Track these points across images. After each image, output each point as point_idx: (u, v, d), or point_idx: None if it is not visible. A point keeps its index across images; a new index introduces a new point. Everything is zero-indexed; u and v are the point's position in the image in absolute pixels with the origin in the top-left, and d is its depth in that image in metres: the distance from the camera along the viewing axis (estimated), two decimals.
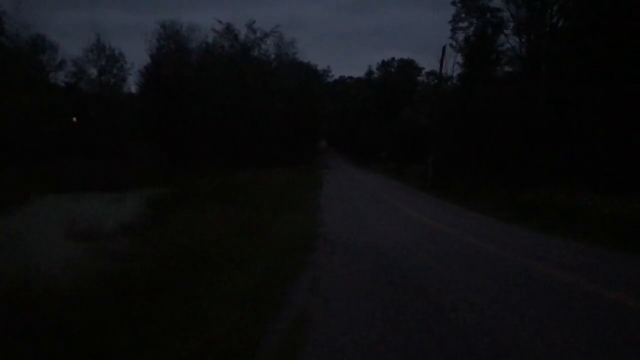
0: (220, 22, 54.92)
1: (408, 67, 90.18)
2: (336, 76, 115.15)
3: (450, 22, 34.97)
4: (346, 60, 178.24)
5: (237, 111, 49.90)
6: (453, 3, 34.15)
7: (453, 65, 52.59)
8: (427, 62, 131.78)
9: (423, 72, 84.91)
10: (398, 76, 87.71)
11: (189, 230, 14.80)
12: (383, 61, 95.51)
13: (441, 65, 33.79)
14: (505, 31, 31.10)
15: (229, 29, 54.68)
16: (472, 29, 32.58)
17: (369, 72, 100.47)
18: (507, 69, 31.22)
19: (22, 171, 32.60)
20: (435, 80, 54.13)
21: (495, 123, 28.74)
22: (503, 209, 19.31)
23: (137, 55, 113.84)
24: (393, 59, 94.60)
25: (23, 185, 29.93)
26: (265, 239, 11.43)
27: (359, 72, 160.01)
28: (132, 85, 55.76)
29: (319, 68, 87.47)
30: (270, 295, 6.37)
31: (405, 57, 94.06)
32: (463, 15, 33.83)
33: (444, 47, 33.99)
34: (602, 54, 23.07)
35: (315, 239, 11.31)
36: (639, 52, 21.47)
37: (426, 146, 38.37)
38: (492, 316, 5.61)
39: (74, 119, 48.44)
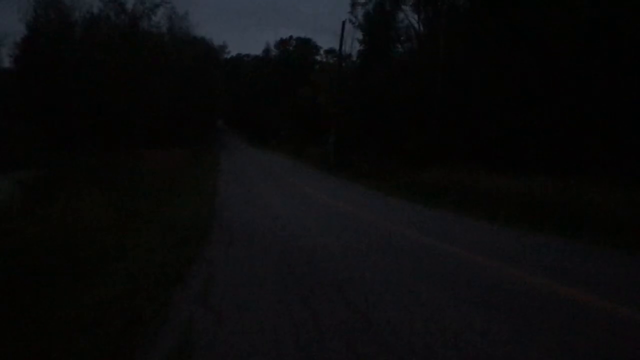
0: None
1: (306, 46, 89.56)
2: (233, 54, 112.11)
3: None
4: (243, 38, 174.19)
5: (126, 87, 46.46)
6: None
7: (352, 43, 52.41)
8: (326, 42, 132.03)
9: (322, 50, 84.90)
10: (296, 54, 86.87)
11: (58, 219, 12.92)
12: (281, 39, 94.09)
13: (341, 41, 32.96)
14: (404, 7, 30.86)
15: None
16: (371, 4, 32.03)
17: (267, 50, 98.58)
18: (406, 46, 31.03)
19: None
20: (335, 58, 53.69)
21: (394, 102, 28.51)
22: (405, 188, 18.94)
23: (10, 25, 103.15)
24: (291, 37, 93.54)
25: None
26: (151, 230, 9.87)
27: (256, 51, 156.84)
28: (5, 57, 50.16)
29: (214, 44, 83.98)
30: (141, 309, 4.93)
31: (303, 35, 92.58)
32: None
33: (343, 23, 33.17)
34: (498, 33, 23.31)
35: (210, 228, 9.91)
36: (535, 31, 21.82)
37: (326, 126, 37.72)
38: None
39: None
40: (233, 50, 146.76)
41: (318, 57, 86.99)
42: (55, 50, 45.72)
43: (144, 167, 24.78)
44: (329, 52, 60.96)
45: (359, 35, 35.12)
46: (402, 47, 31.05)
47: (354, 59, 37.84)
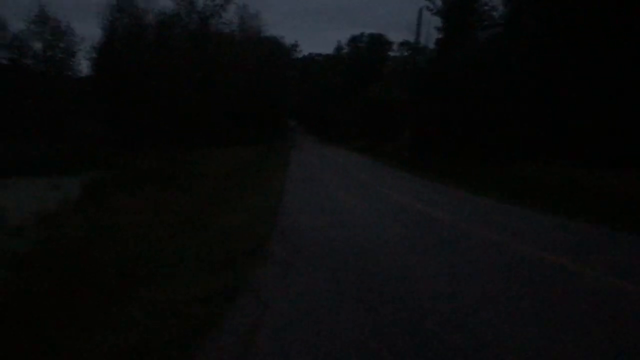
0: None
1: (378, 42, 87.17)
2: (305, 53, 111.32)
3: None
4: (314, 37, 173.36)
5: (197, 87, 46.16)
6: None
7: (427, 35, 49.75)
8: (398, 38, 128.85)
9: (394, 45, 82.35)
10: (368, 51, 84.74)
11: (111, 223, 11.70)
12: (352, 36, 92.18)
13: (418, 29, 30.64)
14: None
15: None
16: None
17: (338, 48, 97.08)
18: (489, 32, 28.14)
19: None
20: (409, 51, 51.32)
21: (475, 92, 25.93)
22: (493, 186, 16.52)
23: (90, 31, 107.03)
24: (362, 34, 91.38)
25: None
26: (204, 238, 8.25)
27: (327, 50, 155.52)
28: (83, 61, 51.32)
29: (286, 43, 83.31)
30: None
31: (375, 32, 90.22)
32: None
33: (420, 10, 30.89)
34: (592, 15, 20.46)
35: (269, 238, 8.12)
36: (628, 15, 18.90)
37: (399, 122, 35.54)
38: None
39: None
40: (305, 50, 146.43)
41: (391, 53, 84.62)
42: (129, 53, 46.06)
43: (210, 166, 23.66)
44: (404, 44, 58.38)
45: (436, 23, 32.61)
46: (484, 33, 28.24)
47: (431, 48, 35.29)
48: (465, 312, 4.68)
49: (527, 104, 23.45)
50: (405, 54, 57.86)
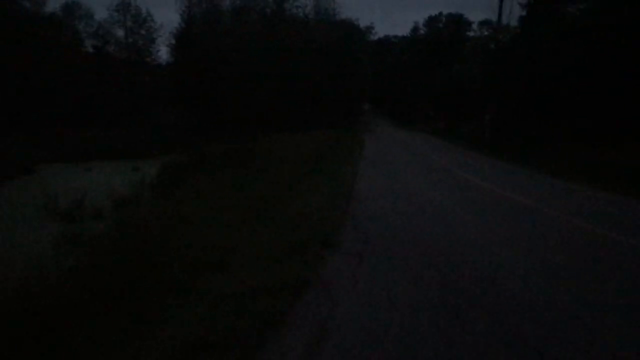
0: None
1: (457, 22, 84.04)
2: (380, 35, 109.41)
3: None
4: (390, 19, 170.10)
5: (271, 72, 46.22)
6: None
7: (510, 13, 47.30)
8: (477, 18, 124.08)
9: (474, 25, 79.21)
10: (447, 31, 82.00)
11: (184, 207, 11.60)
12: (430, 16, 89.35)
13: (501, 5, 28.85)
14: None
15: None
16: None
17: (415, 29, 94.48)
18: (580, 6, 26.02)
19: (38, 138, 30.19)
20: (490, 30, 49.02)
21: (564, 72, 24.13)
22: (589, 173, 15.15)
23: (169, 17, 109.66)
24: (441, 13, 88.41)
25: (35, 152, 27.54)
26: (275, 224, 7.88)
27: (404, 32, 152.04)
28: (161, 47, 52.76)
29: (361, 25, 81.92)
30: None
31: (453, 11, 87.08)
32: None
33: None
34: None
35: (342, 226, 7.64)
36: None
37: (480, 103, 33.93)
38: None
39: None
40: (380, 32, 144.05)
41: (470, 33, 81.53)
42: (206, 39, 46.76)
43: (285, 150, 23.45)
44: (484, 23, 55.83)
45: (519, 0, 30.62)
46: (574, 7, 26.17)
47: (513, 27, 33.32)
48: (572, 321, 3.98)
49: (629, 83, 21.52)
50: (486, 33, 55.31)
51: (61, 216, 12.86)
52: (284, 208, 9.17)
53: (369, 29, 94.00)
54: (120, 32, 48.83)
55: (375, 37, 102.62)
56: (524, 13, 29.75)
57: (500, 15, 30.17)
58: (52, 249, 9.19)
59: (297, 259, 5.58)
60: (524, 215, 8.93)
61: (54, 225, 11.74)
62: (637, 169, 14.23)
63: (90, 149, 30.48)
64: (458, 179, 14.70)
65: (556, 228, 7.82)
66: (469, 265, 5.60)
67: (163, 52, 58.14)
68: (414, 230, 7.49)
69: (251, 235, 7.10)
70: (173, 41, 49.37)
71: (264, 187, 12.62)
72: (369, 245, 6.42)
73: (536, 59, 25.58)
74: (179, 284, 4.97)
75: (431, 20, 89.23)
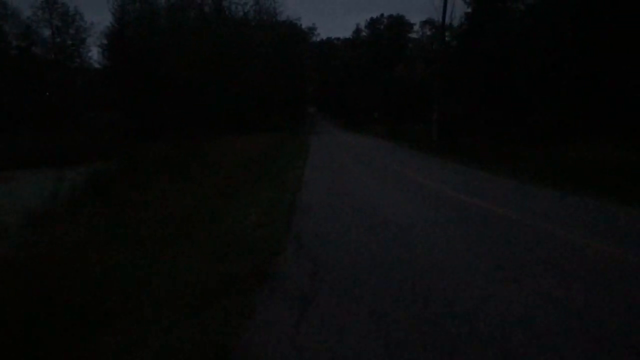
0: None
1: (398, 23, 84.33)
2: (323, 37, 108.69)
3: None
4: (332, 21, 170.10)
5: (211, 74, 44.32)
6: None
7: (452, 13, 47.29)
8: (418, 19, 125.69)
9: (415, 26, 79.69)
10: (388, 33, 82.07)
11: (101, 225, 10.02)
12: (372, 18, 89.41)
13: (445, 2, 28.14)
14: None
15: None
16: None
17: (357, 31, 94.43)
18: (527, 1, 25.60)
19: None
20: (432, 30, 48.90)
21: (511, 69, 23.70)
22: (546, 173, 14.36)
23: (100, 16, 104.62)
24: (382, 15, 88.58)
25: None
26: (202, 247, 6.44)
27: (346, 33, 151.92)
28: (93, 47, 49.90)
29: (303, 27, 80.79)
30: None
31: (395, 13, 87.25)
32: None
33: None
34: None
35: (283, 249, 6.20)
36: None
37: (425, 104, 33.37)
38: None
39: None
40: (323, 34, 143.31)
41: (412, 35, 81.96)
42: (141, 39, 44.43)
43: (225, 154, 21.89)
44: (427, 22, 55.81)
45: (459, 2, 30.15)
46: (522, 2, 25.80)
47: (458, 26, 32.90)
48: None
49: (576, 79, 21.17)
50: (429, 33, 55.27)
51: None
52: (215, 225, 7.73)
53: (311, 30, 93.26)
54: (47, 32, 45.76)
55: (318, 39, 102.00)
56: (468, 10, 29.35)
57: (444, 13, 29.56)
58: None
59: (217, 307, 4.14)
60: (490, 221, 7.82)
61: None
62: (579, 165, 13.72)
63: (14, 157, 27.96)
64: (412, 183, 13.59)
65: (530, 236, 6.74)
66: (450, 303, 4.34)
67: (94, 53, 54.85)
68: (371, 249, 6.17)
69: (168, 266, 5.66)
70: (105, 41, 46.79)
71: (196, 196, 11.11)
72: (317, 279, 5.01)
73: (481, 56, 25.07)
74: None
75: (373, 22, 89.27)
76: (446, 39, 32.20)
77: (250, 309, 4.14)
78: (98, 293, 4.80)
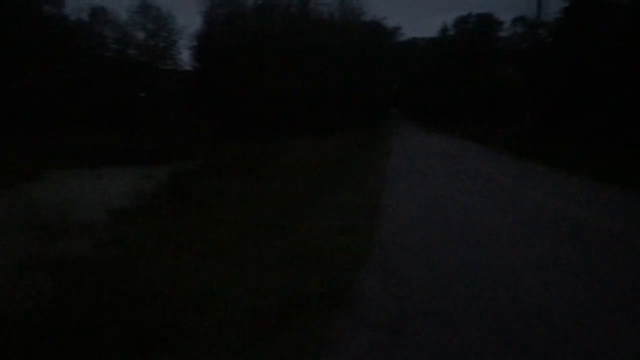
0: None
1: (487, 22, 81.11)
2: (408, 37, 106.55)
3: None
4: (417, 21, 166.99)
5: (295, 73, 44.31)
6: None
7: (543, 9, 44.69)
8: (507, 17, 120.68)
9: (505, 23, 76.18)
10: (475, 32, 79.16)
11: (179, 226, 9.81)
12: (459, 17, 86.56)
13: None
14: None
15: None
16: None
17: (444, 30, 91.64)
18: None
19: (47, 143, 28.78)
20: (525, 27, 46.46)
21: (612, 67, 21.67)
22: None
23: (192, 19, 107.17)
24: (470, 14, 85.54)
25: (43, 157, 26.13)
26: (274, 258, 5.85)
27: (431, 33, 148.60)
28: (183, 49, 51.30)
29: (388, 26, 79.43)
30: None
31: (484, 12, 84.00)
32: None
33: None
34: None
35: (365, 263, 5.47)
36: None
37: (516, 105, 31.54)
38: None
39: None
40: (407, 34, 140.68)
41: (502, 34, 78.60)
42: (228, 41, 45.16)
43: (305, 155, 21.45)
44: (518, 20, 52.96)
45: None
46: None
47: (554, 21, 30.72)
48: None
49: None
50: (519, 31, 52.52)
51: (44, 232, 11.06)
52: (289, 232, 7.15)
53: (396, 29, 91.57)
54: (141, 35, 47.55)
55: (403, 39, 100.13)
56: (566, 4, 27.27)
57: (539, 7, 27.59)
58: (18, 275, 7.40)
59: (288, 333, 3.50)
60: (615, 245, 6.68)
61: (35, 243, 9.93)
62: None
63: (104, 155, 29.07)
64: (510, 192, 12.33)
65: None
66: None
67: (185, 55, 57.07)
68: (472, 272, 5.28)
69: (237, 277, 5.12)
70: (194, 43, 47.95)
71: (273, 200, 10.63)
72: (409, 306, 4.21)
73: (583, 52, 23.16)
74: None
75: (460, 21, 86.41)
76: (540, 36, 30.21)
77: (326, 337, 3.47)
78: (159, 305, 4.34)
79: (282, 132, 35.46)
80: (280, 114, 40.73)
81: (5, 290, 6.16)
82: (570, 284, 4.92)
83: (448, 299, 4.37)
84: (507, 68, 44.61)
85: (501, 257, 5.98)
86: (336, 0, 55.04)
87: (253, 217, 8.47)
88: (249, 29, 48.00)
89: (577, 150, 19.86)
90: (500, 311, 4.04)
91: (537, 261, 5.75)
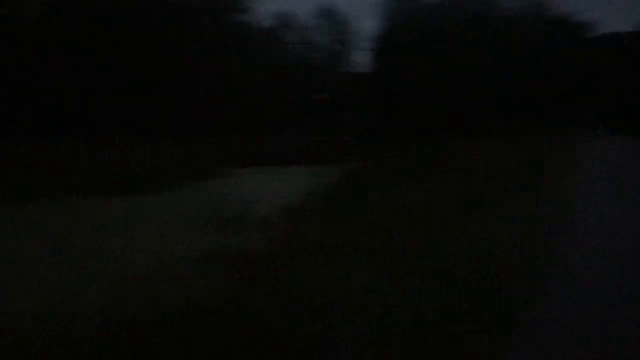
0: None
1: None
2: (605, 31, 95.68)
3: None
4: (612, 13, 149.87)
5: (477, 76, 42.27)
6: None
7: None
8: None
9: None
10: None
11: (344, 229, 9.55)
12: None
13: None
14: None
15: None
16: None
17: None
18: None
19: (235, 143, 30.94)
20: None
21: None
22: None
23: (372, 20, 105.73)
24: None
25: (230, 156, 28.16)
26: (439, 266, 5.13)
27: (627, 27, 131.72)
28: (361, 51, 52.04)
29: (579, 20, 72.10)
30: None
31: None
32: None
33: None
34: None
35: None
36: None
37: None
38: None
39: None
40: (602, 28, 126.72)
41: None
42: (409, 42, 44.70)
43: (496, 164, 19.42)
44: None
45: None
46: None
47: None
48: None
49: None
50: None
51: (221, 226, 11.61)
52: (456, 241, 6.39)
53: (590, 25, 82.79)
54: (321, 39, 49.19)
55: (598, 34, 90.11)
56: None
57: None
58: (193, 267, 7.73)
59: None
60: None
61: (212, 236, 10.42)
62: None
63: (287, 154, 30.49)
64: None
65: None
66: None
67: (363, 57, 57.98)
68: None
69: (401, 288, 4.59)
70: (374, 45, 48.33)
71: (441, 204, 9.82)
72: None
73: None
74: None
75: None
76: None
77: None
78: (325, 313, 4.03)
79: (463, 135, 33.88)
80: (457, 114, 39.20)
81: (183, 284, 6.30)
82: None
83: None
84: None
85: None
86: None
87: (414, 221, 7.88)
88: (429, 28, 46.99)
89: None
90: None
91: None
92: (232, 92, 36.92)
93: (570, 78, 50.76)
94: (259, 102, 39.20)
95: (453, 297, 4.27)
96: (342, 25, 48.46)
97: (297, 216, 12.44)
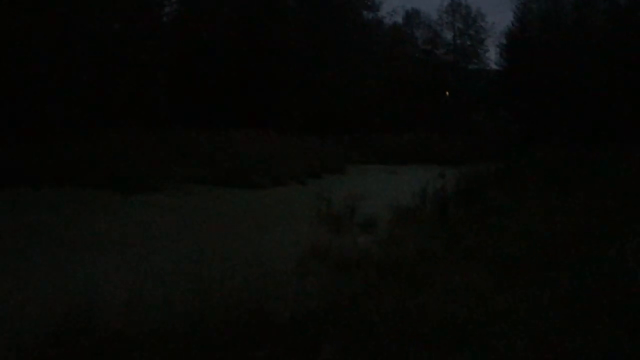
0: None
1: None
2: None
3: None
4: None
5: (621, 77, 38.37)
6: None
7: None
8: None
9: None
10: None
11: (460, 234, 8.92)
12: None
13: None
14: None
15: None
16: None
17: None
18: None
19: (357, 141, 31.01)
20: None
21: None
22: None
23: (502, 15, 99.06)
24: None
25: (351, 154, 28.36)
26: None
27: None
28: (491, 47, 49.76)
29: None
30: None
31: None
32: None
33: None
34: None
35: None
36: None
37: None
38: None
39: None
40: None
41: None
42: (541, 41, 41.86)
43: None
44: None
45: None
46: None
47: None
48: None
49: None
50: None
51: (329, 223, 11.30)
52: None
53: None
54: (449, 35, 47.58)
55: None
56: None
57: None
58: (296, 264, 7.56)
59: None
60: None
61: (320, 232, 10.17)
62: None
63: (404, 153, 30.16)
64: None
65: None
66: None
67: (492, 54, 54.95)
68: None
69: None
70: (504, 41, 45.88)
71: (573, 216, 8.64)
72: None
73: None
74: None
75: None
76: None
77: None
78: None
79: (600, 139, 31.00)
80: (599, 117, 35.85)
81: (284, 283, 6.11)
82: None
83: None
84: None
85: None
86: None
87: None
88: (565, 24, 43.56)
89: None
90: None
91: None
92: (367, 90, 36.58)
93: None
94: (393, 99, 38.68)
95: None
96: (472, 20, 46.46)
97: (409, 216, 11.89)
